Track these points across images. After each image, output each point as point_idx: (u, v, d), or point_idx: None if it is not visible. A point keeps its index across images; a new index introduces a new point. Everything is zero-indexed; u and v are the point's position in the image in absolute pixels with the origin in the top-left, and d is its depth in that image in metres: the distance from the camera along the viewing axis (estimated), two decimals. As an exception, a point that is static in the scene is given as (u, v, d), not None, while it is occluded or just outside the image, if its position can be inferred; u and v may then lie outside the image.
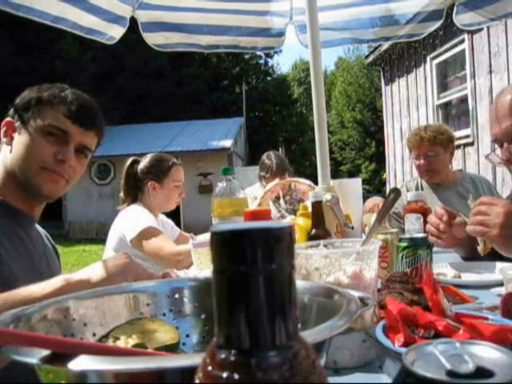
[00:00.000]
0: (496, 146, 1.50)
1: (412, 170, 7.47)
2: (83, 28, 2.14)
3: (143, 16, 2.41)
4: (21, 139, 1.10)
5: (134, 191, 2.17)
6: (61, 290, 0.83)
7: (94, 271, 0.90)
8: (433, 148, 2.31)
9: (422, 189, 2.40)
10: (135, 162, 2.21)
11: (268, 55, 28.40)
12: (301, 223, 1.55)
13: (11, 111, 1.15)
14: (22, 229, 1.12)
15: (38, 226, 1.24)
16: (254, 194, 3.03)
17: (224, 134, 15.68)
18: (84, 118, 1.15)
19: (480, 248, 1.36)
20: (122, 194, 2.21)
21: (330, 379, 0.68)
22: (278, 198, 3.19)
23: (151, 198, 2.15)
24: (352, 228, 1.54)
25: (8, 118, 1.14)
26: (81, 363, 0.37)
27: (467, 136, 5.87)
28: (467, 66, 5.91)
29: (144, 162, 2.19)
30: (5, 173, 1.11)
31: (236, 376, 0.22)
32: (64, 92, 1.14)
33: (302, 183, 2.69)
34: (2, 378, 0.72)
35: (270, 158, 3.16)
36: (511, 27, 4.92)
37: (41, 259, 1.16)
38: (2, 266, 0.98)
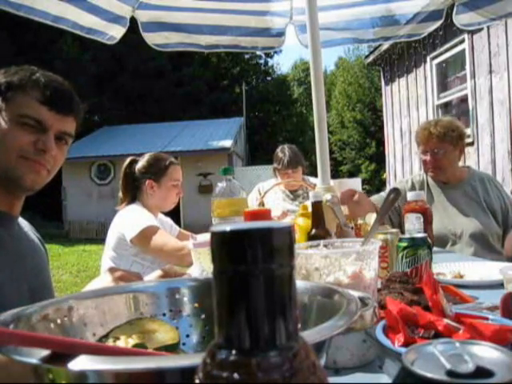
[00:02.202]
0: None
1: (412, 170, 7.47)
2: (83, 28, 2.14)
3: (143, 16, 2.41)
4: None
5: (133, 191, 2.18)
6: None
7: None
8: (441, 145, 2.17)
9: (428, 185, 2.30)
10: (133, 162, 2.21)
11: (268, 55, 28.41)
12: (301, 223, 1.55)
13: None
14: (4, 229, 1.07)
15: (20, 220, 1.18)
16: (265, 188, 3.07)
17: (224, 134, 15.68)
18: (60, 103, 1.06)
19: None
20: (120, 194, 2.21)
21: (330, 379, 0.68)
22: (291, 192, 3.21)
23: (149, 198, 2.15)
24: (352, 228, 1.55)
25: None
26: (81, 363, 0.37)
27: (467, 136, 5.86)
28: (467, 66, 5.91)
29: (142, 162, 2.19)
30: None
31: (236, 376, 0.22)
32: (35, 75, 1.04)
33: (308, 185, 2.70)
34: None
35: (283, 151, 3.17)
36: (511, 27, 4.92)
37: (25, 257, 1.12)
38: None
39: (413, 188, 2.30)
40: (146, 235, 1.96)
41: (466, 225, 2.12)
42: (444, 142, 2.17)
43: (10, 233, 1.09)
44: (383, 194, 2.33)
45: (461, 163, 2.34)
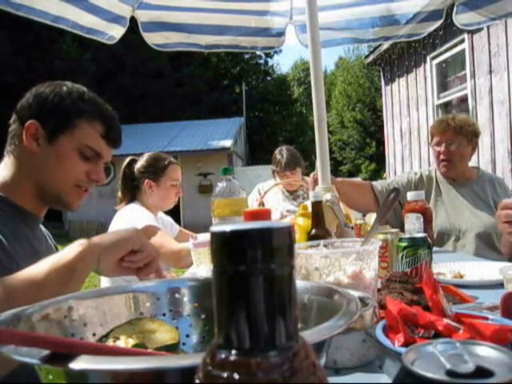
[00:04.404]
0: None
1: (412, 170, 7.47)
2: (83, 28, 2.14)
3: (143, 16, 2.41)
4: (52, 151, 1.07)
5: (132, 191, 2.18)
6: (82, 253, 0.85)
7: (105, 236, 0.93)
8: (457, 137, 2.20)
9: (437, 181, 2.31)
10: (133, 162, 2.22)
11: (268, 55, 28.42)
12: (301, 223, 1.55)
13: (27, 110, 1.08)
14: (29, 229, 1.11)
15: (41, 226, 1.24)
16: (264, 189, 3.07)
17: (224, 134, 15.67)
18: (117, 139, 1.17)
19: None
20: (119, 194, 2.22)
21: (330, 379, 0.68)
22: (291, 192, 3.20)
23: (148, 197, 2.15)
24: (352, 228, 1.54)
25: (32, 120, 1.06)
26: (81, 363, 0.37)
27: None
28: (467, 66, 5.90)
29: (141, 161, 2.19)
30: (28, 180, 1.08)
31: (236, 376, 0.22)
32: (100, 107, 1.13)
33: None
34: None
35: (281, 152, 3.16)
36: (511, 27, 4.92)
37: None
38: (12, 265, 0.97)
39: (421, 180, 2.32)
40: (144, 234, 1.95)
41: (472, 222, 2.12)
42: (460, 134, 2.20)
43: (34, 234, 1.14)
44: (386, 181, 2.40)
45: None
